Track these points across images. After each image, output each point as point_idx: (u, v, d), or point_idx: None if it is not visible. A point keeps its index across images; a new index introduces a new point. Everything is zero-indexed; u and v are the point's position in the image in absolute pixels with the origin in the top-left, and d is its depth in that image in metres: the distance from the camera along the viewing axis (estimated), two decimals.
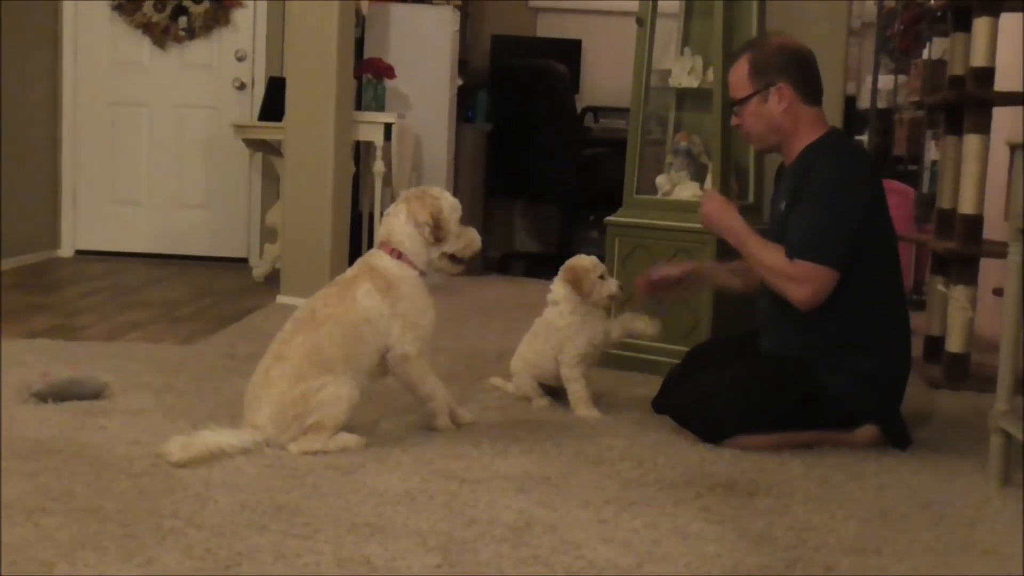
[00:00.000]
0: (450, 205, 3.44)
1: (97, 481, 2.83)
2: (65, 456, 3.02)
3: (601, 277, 3.86)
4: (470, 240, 3.48)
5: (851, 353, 3.45)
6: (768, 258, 3.46)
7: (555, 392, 3.90)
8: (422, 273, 3.41)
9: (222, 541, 2.45)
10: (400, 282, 3.33)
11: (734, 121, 3.68)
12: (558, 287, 3.89)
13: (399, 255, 3.36)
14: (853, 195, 3.41)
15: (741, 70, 3.58)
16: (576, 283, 3.83)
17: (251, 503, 2.70)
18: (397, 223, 3.39)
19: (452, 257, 3.47)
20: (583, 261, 3.89)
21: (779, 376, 3.46)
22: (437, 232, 3.38)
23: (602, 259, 4.35)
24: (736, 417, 3.42)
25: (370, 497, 2.79)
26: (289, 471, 2.97)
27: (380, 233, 3.46)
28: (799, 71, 3.55)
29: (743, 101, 3.57)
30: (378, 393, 3.50)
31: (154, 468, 2.94)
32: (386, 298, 3.30)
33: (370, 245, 6.78)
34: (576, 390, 3.80)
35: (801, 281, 3.36)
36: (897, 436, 3.52)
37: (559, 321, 3.85)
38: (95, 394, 3.67)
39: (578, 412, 3.77)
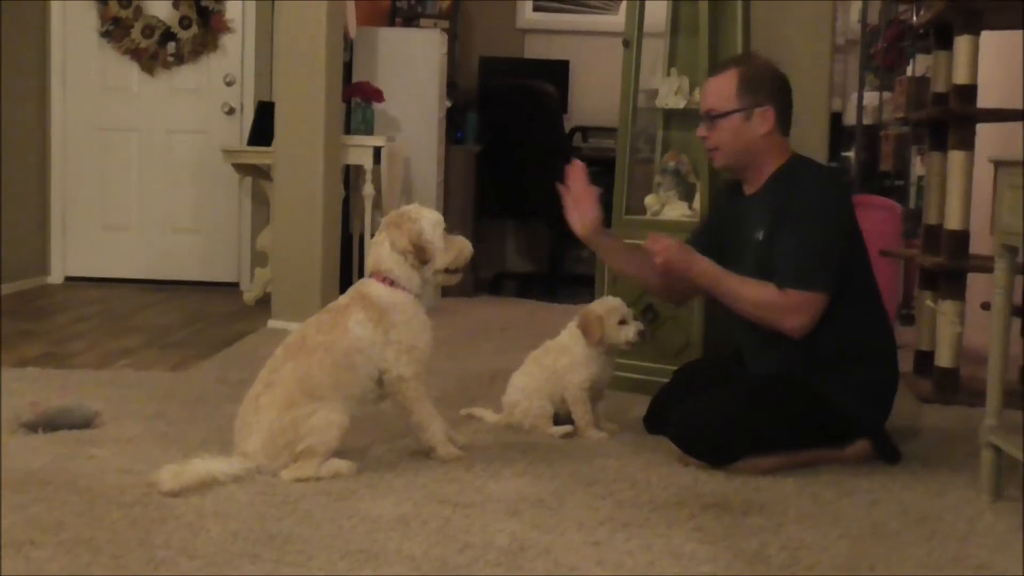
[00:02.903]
0: (431, 223, 3.40)
1: (88, 511, 2.82)
2: (55, 486, 3.01)
3: (623, 322, 3.81)
4: (459, 249, 3.45)
5: (849, 366, 3.47)
6: (753, 294, 3.42)
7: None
8: (417, 296, 3.41)
9: (215, 571, 2.45)
10: (393, 309, 3.32)
11: (702, 132, 3.60)
12: (572, 332, 3.87)
13: (391, 282, 3.36)
14: (838, 218, 3.42)
15: (728, 83, 3.52)
16: (585, 330, 3.81)
17: (243, 532, 2.70)
18: (383, 252, 3.37)
19: (447, 270, 3.45)
20: (598, 308, 3.84)
21: (780, 397, 3.46)
22: (422, 255, 3.36)
23: (592, 279, 4.37)
24: (741, 441, 3.39)
25: (363, 523, 2.79)
26: (281, 498, 2.96)
27: (368, 263, 3.45)
28: (784, 99, 3.55)
29: (723, 115, 3.53)
30: (370, 418, 3.50)
31: (146, 497, 2.93)
32: (379, 327, 3.29)
33: (361, 269, 6.79)
34: (582, 413, 3.79)
35: (795, 311, 3.35)
36: (887, 451, 3.53)
37: (574, 347, 3.84)
38: (86, 423, 3.65)
39: (587, 436, 3.76)
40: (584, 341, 3.81)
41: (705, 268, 3.50)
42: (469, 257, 3.48)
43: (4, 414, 3.67)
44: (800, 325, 3.36)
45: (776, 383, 3.50)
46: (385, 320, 3.30)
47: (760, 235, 3.49)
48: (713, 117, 3.55)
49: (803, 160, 3.57)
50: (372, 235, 6.49)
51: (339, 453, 3.21)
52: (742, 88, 3.50)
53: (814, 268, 3.36)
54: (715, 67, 3.71)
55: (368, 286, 3.38)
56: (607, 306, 3.84)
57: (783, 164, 3.53)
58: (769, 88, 3.52)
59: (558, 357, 3.87)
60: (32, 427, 3.55)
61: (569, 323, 3.92)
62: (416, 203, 3.54)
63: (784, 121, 3.55)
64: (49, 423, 3.58)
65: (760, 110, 3.49)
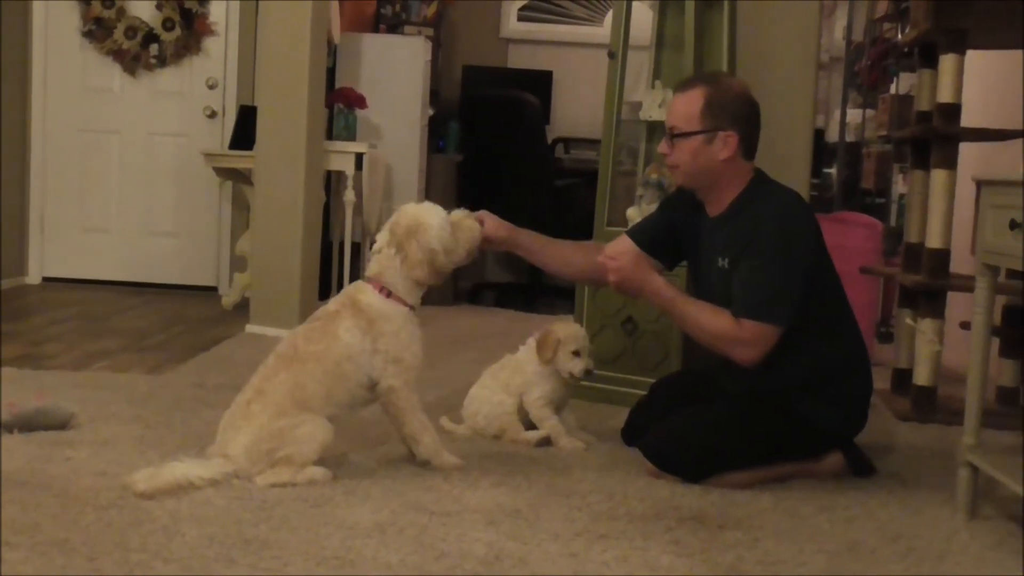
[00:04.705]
0: (440, 229, 3.37)
1: (63, 514, 2.80)
2: (31, 488, 2.99)
3: (576, 353, 3.81)
4: (469, 239, 3.45)
5: (821, 380, 3.47)
6: (706, 321, 3.41)
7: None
8: (412, 307, 3.40)
9: (190, 575, 2.43)
10: (383, 319, 3.31)
11: (662, 149, 3.56)
12: (530, 348, 3.88)
13: (388, 293, 3.34)
14: (799, 251, 3.37)
15: (693, 104, 3.46)
16: (540, 347, 3.83)
17: (219, 536, 2.68)
18: (387, 262, 3.36)
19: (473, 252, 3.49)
20: (560, 331, 3.83)
21: (752, 413, 3.46)
22: (435, 270, 3.36)
23: (572, 291, 4.38)
24: (714, 457, 3.39)
25: (339, 530, 2.78)
26: (258, 504, 2.95)
27: (371, 269, 3.40)
28: (750, 126, 3.49)
29: (685, 135, 3.47)
30: (348, 425, 3.48)
31: (121, 500, 2.91)
32: (367, 335, 3.28)
33: (341, 275, 6.79)
34: (552, 426, 3.79)
35: (748, 343, 3.33)
36: (860, 465, 3.54)
37: (527, 365, 3.86)
38: (62, 424, 3.63)
39: (561, 445, 3.76)
40: (537, 359, 3.83)
41: (658, 289, 3.48)
42: (480, 239, 3.48)
43: None
44: (750, 357, 3.35)
45: (748, 401, 3.50)
46: (374, 329, 3.29)
47: (724, 262, 3.46)
48: (674, 135, 3.50)
49: (765, 186, 3.51)
50: (352, 242, 6.52)
51: (316, 460, 3.19)
52: (707, 110, 3.44)
53: (771, 301, 3.33)
54: (684, 83, 3.63)
55: (361, 292, 3.36)
56: (568, 332, 3.84)
57: (744, 189, 3.49)
58: (735, 113, 3.46)
59: (512, 375, 3.88)
60: (8, 428, 3.53)
61: (528, 339, 3.93)
62: (415, 202, 3.51)
63: (748, 147, 3.49)
64: (25, 424, 3.55)
65: (723, 134, 3.43)
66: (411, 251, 3.33)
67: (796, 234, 3.39)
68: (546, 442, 3.77)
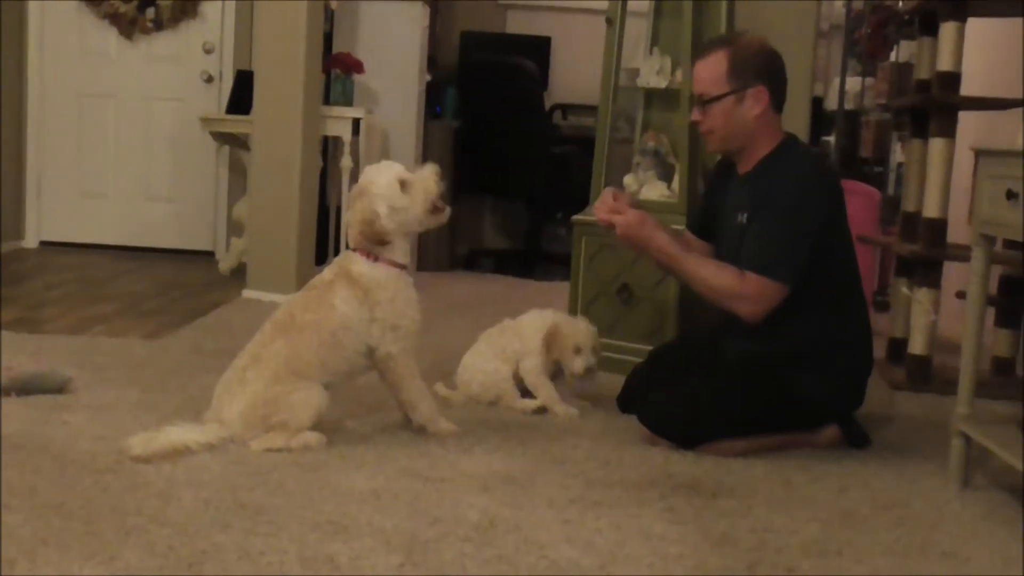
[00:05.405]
0: (384, 187, 3.31)
1: (60, 477, 2.82)
2: (28, 451, 3.01)
3: (578, 350, 3.81)
4: (424, 191, 3.32)
5: (825, 352, 3.47)
6: (711, 276, 3.43)
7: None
8: (402, 267, 3.38)
9: (185, 539, 2.45)
10: (377, 287, 3.30)
11: (695, 117, 3.55)
12: (534, 325, 3.89)
13: (375, 258, 3.34)
14: (814, 213, 3.38)
15: (717, 67, 3.46)
16: (549, 342, 3.83)
17: (215, 501, 2.70)
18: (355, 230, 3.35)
19: (434, 209, 3.35)
20: (567, 328, 3.84)
21: (751, 382, 3.46)
22: (375, 238, 3.30)
23: (569, 258, 4.38)
24: (711, 424, 3.41)
25: (334, 495, 2.79)
26: (253, 469, 2.96)
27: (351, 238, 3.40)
28: (776, 78, 3.50)
29: (715, 99, 3.48)
30: (344, 392, 3.49)
31: (118, 465, 2.93)
32: (364, 304, 3.29)
33: (338, 240, 6.79)
34: (547, 394, 3.81)
35: (752, 298, 3.34)
36: (856, 437, 3.55)
37: (526, 333, 3.88)
38: (59, 388, 3.65)
39: (556, 412, 3.78)
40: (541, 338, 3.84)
41: (663, 245, 3.50)
42: (436, 191, 3.34)
43: None
44: (753, 312, 3.36)
45: (747, 369, 3.50)
46: (370, 297, 3.29)
47: (743, 218, 3.48)
48: (705, 102, 3.50)
49: (794, 149, 3.52)
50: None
51: (311, 426, 3.20)
52: (732, 70, 3.45)
53: (777, 258, 3.34)
54: (703, 49, 3.64)
55: (351, 262, 3.35)
56: (576, 329, 3.85)
57: (774, 148, 3.49)
58: (760, 67, 3.47)
59: (511, 340, 3.89)
60: (5, 391, 3.54)
61: (532, 310, 3.94)
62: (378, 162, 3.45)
63: (778, 99, 3.50)
64: (22, 388, 3.57)
65: (752, 91, 3.44)
66: (353, 213, 3.33)
67: (811, 196, 3.40)
68: (542, 411, 3.78)
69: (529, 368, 3.83)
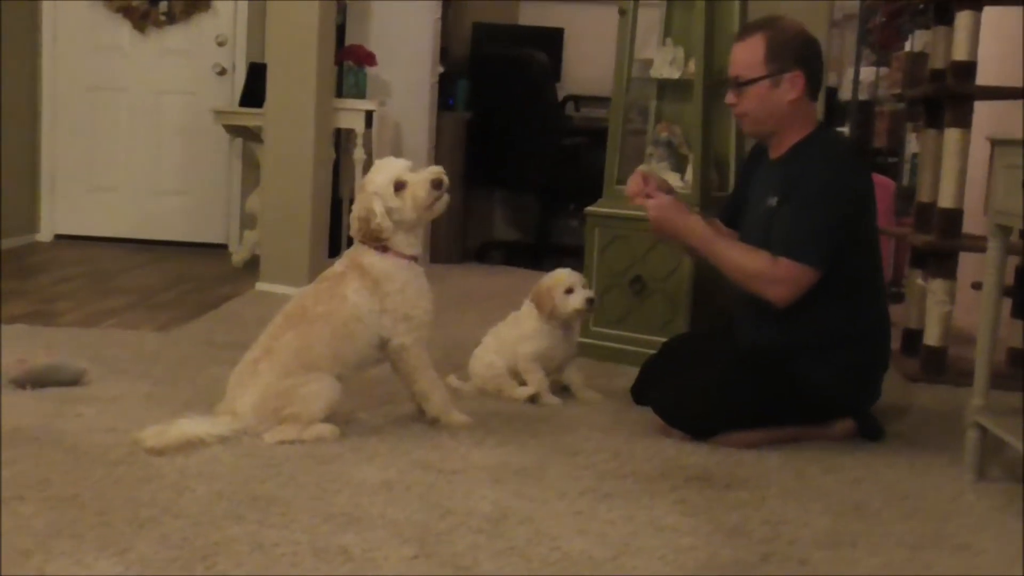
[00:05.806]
0: (379, 187, 3.30)
1: (74, 469, 2.82)
2: (42, 444, 3.01)
3: (570, 291, 3.83)
4: (418, 200, 3.29)
5: (836, 346, 3.45)
6: (743, 259, 3.43)
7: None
8: (413, 258, 3.38)
9: (199, 531, 2.45)
10: (387, 279, 3.30)
11: (730, 99, 3.55)
12: (528, 305, 3.93)
13: (384, 249, 3.34)
14: (845, 201, 3.37)
15: (755, 50, 3.45)
16: (536, 303, 3.87)
17: (228, 492, 2.70)
18: None
19: (427, 208, 3.32)
20: (546, 280, 3.88)
21: (762, 374, 3.45)
22: (371, 236, 3.30)
23: (580, 250, 4.37)
24: (723, 415, 3.40)
25: (346, 487, 2.79)
26: (265, 460, 2.96)
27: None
28: (813, 64, 3.49)
29: (751, 82, 3.47)
30: (356, 384, 3.49)
31: (131, 456, 2.94)
32: (375, 295, 3.29)
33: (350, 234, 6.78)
34: (538, 380, 3.83)
35: (783, 282, 3.34)
36: (870, 429, 3.54)
37: (525, 320, 3.92)
38: (73, 381, 3.66)
39: (543, 401, 3.80)
40: (536, 315, 3.86)
41: (695, 228, 3.51)
42: (426, 201, 3.29)
43: None
44: (783, 296, 3.36)
45: (760, 361, 3.49)
46: (381, 288, 3.29)
47: (773, 201, 3.46)
48: (740, 84, 3.50)
49: (827, 137, 3.53)
50: None
51: (324, 418, 3.21)
52: (770, 53, 3.44)
53: (809, 242, 3.34)
54: (741, 31, 3.66)
55: (361, 254, 3.35)
56: (554, 278, 3.88)
57: (808, 135, 3.49)
58: (798, 52, 3.45)
59: (510, 329, 3.93)
60: (20, 383, 3.55)
61: (527, 300, 3.96)
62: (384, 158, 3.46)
63: (814, 86, 3.49)
64: (37, 380, 3.58)
65: (788, 75, 3.43)
66: (354, 209, 3.34)
67: (844, 184, 3.40)
68: (535, 398, 3.78)
69: (523, 354, 3.85)
